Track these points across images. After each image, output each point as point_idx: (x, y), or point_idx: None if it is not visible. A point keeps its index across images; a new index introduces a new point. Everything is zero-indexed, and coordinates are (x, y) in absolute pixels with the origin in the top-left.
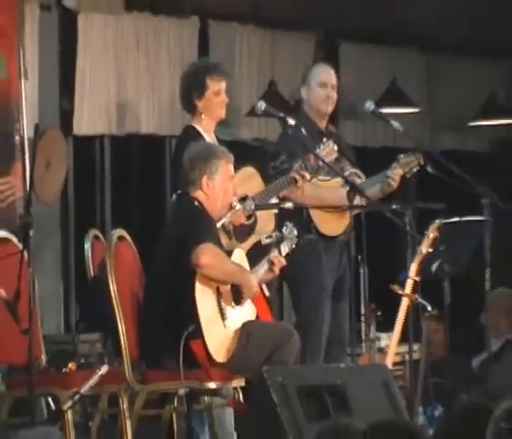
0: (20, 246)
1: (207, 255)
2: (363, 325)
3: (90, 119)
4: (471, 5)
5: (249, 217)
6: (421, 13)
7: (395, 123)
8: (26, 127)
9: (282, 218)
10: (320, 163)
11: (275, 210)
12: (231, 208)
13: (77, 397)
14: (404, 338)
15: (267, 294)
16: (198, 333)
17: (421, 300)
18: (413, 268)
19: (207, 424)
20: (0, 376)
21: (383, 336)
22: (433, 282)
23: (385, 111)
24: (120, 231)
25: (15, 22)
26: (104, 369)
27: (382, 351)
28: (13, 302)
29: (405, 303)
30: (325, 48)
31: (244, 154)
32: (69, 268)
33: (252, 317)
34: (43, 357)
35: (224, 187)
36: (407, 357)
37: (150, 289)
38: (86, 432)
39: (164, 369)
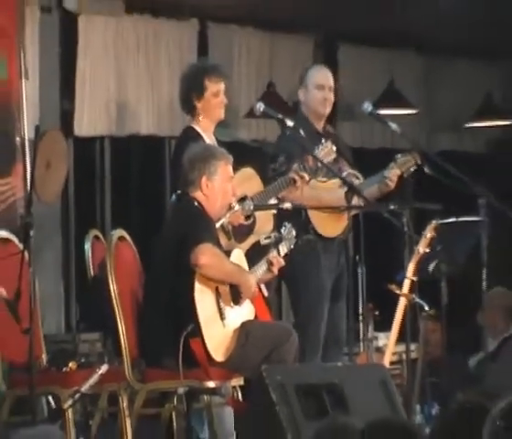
0: (21, 246)
1: (206, 255)
2: (361, 324)
3: (91, 120)
4: (468, 8)
5: (248, 217)
6: (418, 15)
7: (393, 125)
8: (27, 128)
9: (280, 218)
10: (318, 164)
11: (274, 211)
12: (230, 208)
13: (77, 396)
14: (401, 338)
15: (266, 294)
16: (198, 332)
17: (418, 300)
18: (411, 268)
19: (206, 423)
20: (1, 374)
21: (381, 335)
22: (431, 281)
23: (383, 112)
24: (120, 232)
25: (15, 24)
26: (104, 368)
27: (380, 350)
28: (14, 301)
29: (402, 302)
30: (324, 50)
31: (243, 155)
32: (69, 268)
33: (251, 317)
34: (44, 356)
35: (223, 188)
36: (404, 356)
37: (150, 289)
38: (86, 430)
39: (163, 368)
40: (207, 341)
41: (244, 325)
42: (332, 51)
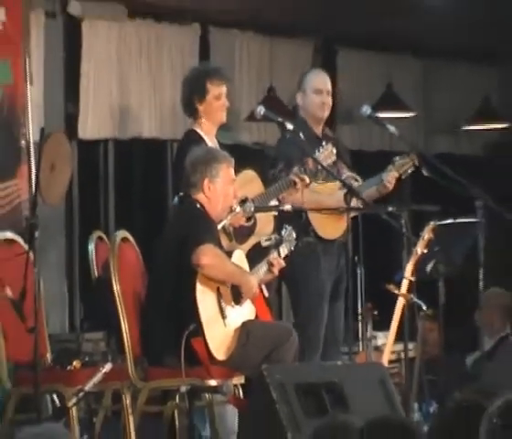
0: (26, 247)
1: (207, 256)
2: (360, 324)
3: (95, 123)
4: (465, 13)
5: (248, 219)
6: (416, 20)
7: (391, 128)
8: (32, 131)
9: (281, 220)
10: (318, 166)
11: (275, 213)
12: (232, 210)
13: (81, 394)
14: (400, 337)
15: (266, 294)
16: (199, 331)
17: (416, 300)
18: (409, 268)
19: (208, 421)
20: (7, 373)
21: (379, 334)
22: (428, 282)
23: (381, 115)
24: (123, 233)
25: (21, 29)
26: (108, 366)
27: (378, 349)
28: (19, 301)
29: (401, 302)
30: (323, 55)
31: (244, 157)
32: (73, 268)
33: (252, 317)
34: (48, 355)
35: (225, 191)
36: (402, 355)
37: (152, 289)
38: (90, 428)
39: (165, 367)
40: (208, 340)
41: (245, 324)
42: (331, 55)
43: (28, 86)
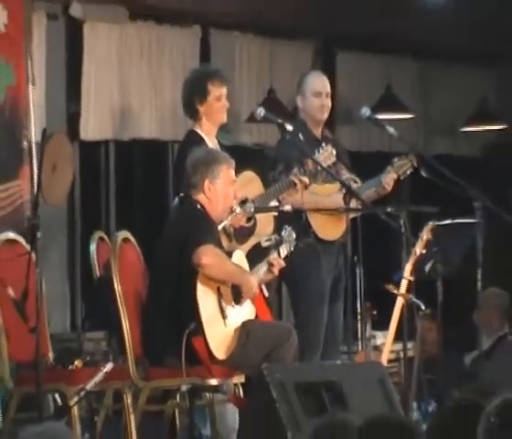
0: (28, 247)
1: (208, 256)
2: (359, 323)
3: (96, 124)
4: (463, 15)
5: (249, 219)
6: (415, 22)
7: (390, 129)
8: (34, 132)
9: (281, 221)
10: (318, 167)
11: (274, 213)
12: (232, 211)
13: (83, 393)
14: (399, 337)
15: (266, 294)
16: (200, 331)
17: (415, 299)
18: (408, 268)
19: (208, 420)
20: (9, 372)
21: (378, 334)
22: (427, 282)
23: (380, 116)
24: (124, 233)
25: (23, 31)
26: (109, 366)
27: (378, 349)
28: (21, 301)
29: (400, 302)
30: (323, 57)
31: (244, 158)
32: (75, 268)
33: (252, 317)
34: (50, 354)
35: (225, 192)
36: (401, 354)
37: (153, 289)
38: (91, 427)
39: (166, 367)
40: (209, 340)
41: (245, 324)
42: (330, 58)
43: (30, 87)
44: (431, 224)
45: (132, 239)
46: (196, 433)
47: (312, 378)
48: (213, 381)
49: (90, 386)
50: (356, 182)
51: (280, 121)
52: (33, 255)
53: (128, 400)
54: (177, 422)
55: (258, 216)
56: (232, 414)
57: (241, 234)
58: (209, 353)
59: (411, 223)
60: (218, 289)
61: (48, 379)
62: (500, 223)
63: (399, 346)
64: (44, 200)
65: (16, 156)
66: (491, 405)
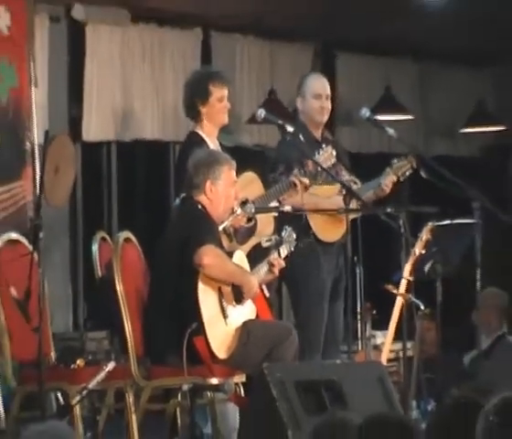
0: (30, 247)
1: (209, 256)
2: (359, 323)
3: (98, 125)
4: (462, 17)
5: (249, 220)
6: (414, 24)
7: (390, 130)
8: (37, 133)
9: (281, 221)
10: (318, 168)
11: (275, 214)
12: (233, 212)
13: (85, 392)
14: (398, 336)
15: (267, 294)
16: (201, 331)
17: (414, 299)
18: (407, 269)
19: (209, 419)
20: (12, 371)
21: (378, 333)
22: (426, 282)
23: (380, 118)
24: (126, 233)
25: (26, 33)
26: (111, 365)
27: (377, 348)
28: (23, 301)
29: (399, 302)
30: (323, 59)
31: (245, 159)
32: (77, 268)
33: (252, 316)
34: (52, 353)
35: (226, 193)
36: (401, 354)
37: (154, 289)
38: (94, 425)
39: (168, 366)
40: (210, 339)
41: (246, 324)
42: (330, 59)
43: (33, 88)
44: (430, 224)
45: (133, 239)
46: (197, 431)
47: (312, 377)
48: (214, 380)
49: (92, 385)
50: (355, 183)
51: (280, 122)
52: (35, 255)
53: (130, 399)
54: (179, 420)
55: (258, 216)
56: (233, 413)
57: (242, 235)
58: (210, 352)
59: (411, 224)
60: (219, 289)
61: (51, 378)
62: (498, 223)
63: (398, 345)
64: (46, 201)
65: (19, 157)
66: (490, 404)
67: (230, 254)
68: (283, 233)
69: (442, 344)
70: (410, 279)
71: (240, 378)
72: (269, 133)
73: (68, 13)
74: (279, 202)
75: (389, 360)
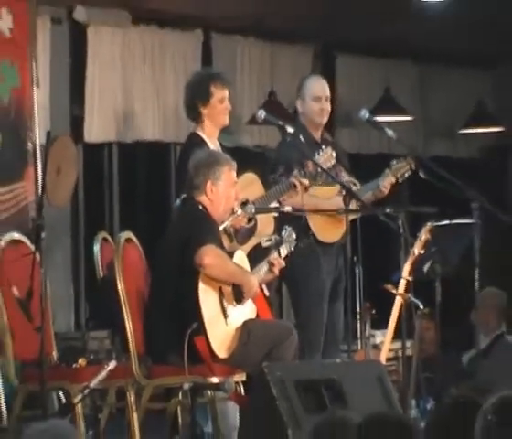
0: (32, 247)
1: (209, 256)
2: (359, 322)
3: (100, 126)
4: (462, 19)
5: (249, 220)
6: (414, 26)
7: (389, 131)
8: (39, 134)
9: (281, 222)
10: (318, 169)
11: (275, 214)
12: (233, 212)
13: (86, 391)
14: (397, 335)
15: (267, 293)
16: (202, 330)
17: (413, 299)
18: (406, 268)
19: (210, 417)
20: (14, 370)
21: (377, 333)
22: (425, 282)
23: (379, 119)
24: (127, 234)
25: (28, 34)
26: (112, 364)
27: (377, 348)
28: (26, 301)
29: (398, 302)
30: (323, 60)
31: (246, 160)
32: (79, 268)
33: (253, 316)
34: (54, 353)
35: (227, 193)
36: (400, 353)
37: (155, 289)
38: (95, 424)
39: (169, 365)
40: (210, 339)
41: (246, 323)
42: (330, 61)
43: (35, 89)
44: (429, 225)
45: (134, 239)
46: (197, 430)
47: (312, 376)
48: (214, 379)
49: (93, 384)
50: (355, 185)
51: (280, 123)
52: (37, 255)
53: (131, 397)
54: (180, 419)
55: (258, 217)
56: (233, 412)
57: (242, 235)
58: (211, 352)
59: (410, 224)
60: (220, 289)
61: (53, 377)
62: (497, 224)
63: (397, 344)
64: (48, 202)
65: (21, 158)
66: (488, 403)
67: (231, 254)
68: (283, 233)
69: (440, 343)
70: (410, 279)
71: (240, 377)
72: (269, 134)
73: (69, 15)
74: (279, 203)
75: (389, 359)
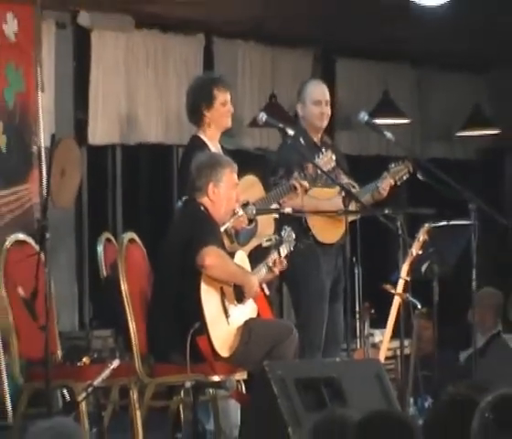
0: (37, 248)
1: (211, 257)
2: (358, 322)
3: (103, 129)
4: (460, 24)
5: (250, 221)
6: (413, 30)
7: (388, 133)
8: (43, 137)
9: (281, 223)
10: (318, 171)
11: (275, 215)
12: (234, 213)
13: (90, 389)
14: (396, 334)
15: (267, 293)
16: (204, 330)
17: (411, 299)
18: (404, 269)
19: (212, 415)
20: (19, 369)
21: (376, 332)
22: (423, 282)
23: (378, 121)
24: (130, 234)
25: (32, 39)
26: (116, 363)
27: (375, 346)
28: (30, 300)
29: (397, 301)
30: (323, 64)
31: (247, 162)
32: (82, 269)
33: (254, 315)
34: (59, 352)
35: (228, 195)
36: (398, 352)
37: (158, 289)
38: (99, 421)
39: (171, 363)
40: (213, 339)
41: (247, 323)
42: (330, 64)
43: (40, 93)
44: (427, 226)
45: (137, 240)
46: (199, 427)
47: (312, 374)
48: (216, 378)
49: (97, 382)
50: (354, 187)
51: (281, 125)
52: (42, 256)
53: (134, 395)
54: (182, 417)
55: (259, 218)
56: (235, 410)
57: (244, 236)
58: (213, 351)
59: (408, 225)
60: (221, 289)
61: (57, 375)
62: (494, 225)
63: (396, 343)
64: (53, 204)
65: (26, 161)
66: (485, 401)
67: (232, 255)
68: (283, 233)
69: (438, 342)
70: (408, 279)
71: (241, 375)
72: (270, 137)
73: (74, 19)
74: (279, 205)
75: (387, 358)
